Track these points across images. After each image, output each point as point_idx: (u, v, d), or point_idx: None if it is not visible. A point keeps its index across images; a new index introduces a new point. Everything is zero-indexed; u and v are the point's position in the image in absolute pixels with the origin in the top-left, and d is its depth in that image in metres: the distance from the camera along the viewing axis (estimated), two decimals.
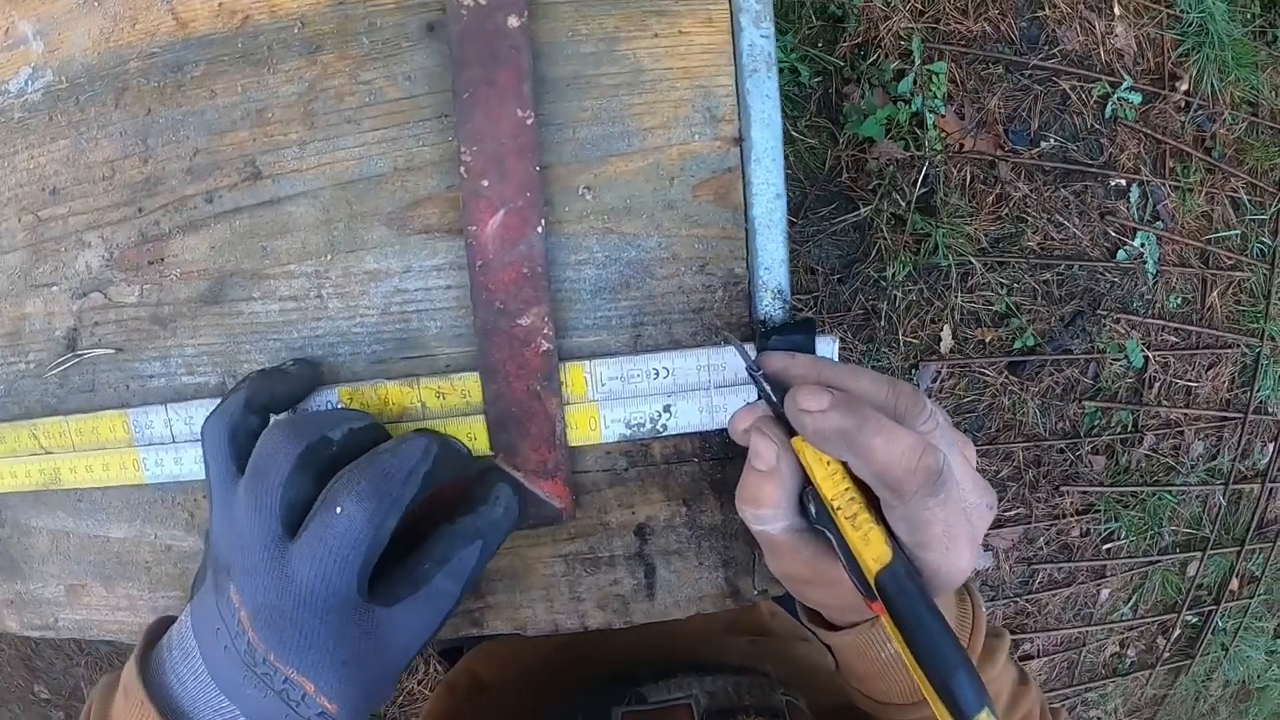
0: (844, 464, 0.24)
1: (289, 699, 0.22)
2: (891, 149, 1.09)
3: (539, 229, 0.26)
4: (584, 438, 0.27)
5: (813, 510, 0.25)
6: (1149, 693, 1.56)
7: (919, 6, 1.09)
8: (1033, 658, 1.44)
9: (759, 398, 0.27)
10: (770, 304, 0.28)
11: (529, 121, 0.25)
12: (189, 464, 0.28)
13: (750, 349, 0.26)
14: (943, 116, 1.10)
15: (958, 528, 0.23)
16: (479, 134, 0.25)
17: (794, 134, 1.10)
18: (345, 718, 0.23)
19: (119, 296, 0.28)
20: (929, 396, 0.26)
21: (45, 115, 0.28)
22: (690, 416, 0.27)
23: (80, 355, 0.29)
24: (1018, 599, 1.39)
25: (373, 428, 0.24)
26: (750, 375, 0.26)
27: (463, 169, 0.25)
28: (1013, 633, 1.39)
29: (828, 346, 0.27)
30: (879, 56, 1.07)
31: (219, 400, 0.25)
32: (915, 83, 1.07)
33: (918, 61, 1.07)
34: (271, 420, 0.24)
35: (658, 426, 0.27)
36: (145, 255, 0.28)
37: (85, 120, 0.28)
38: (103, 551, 0.31)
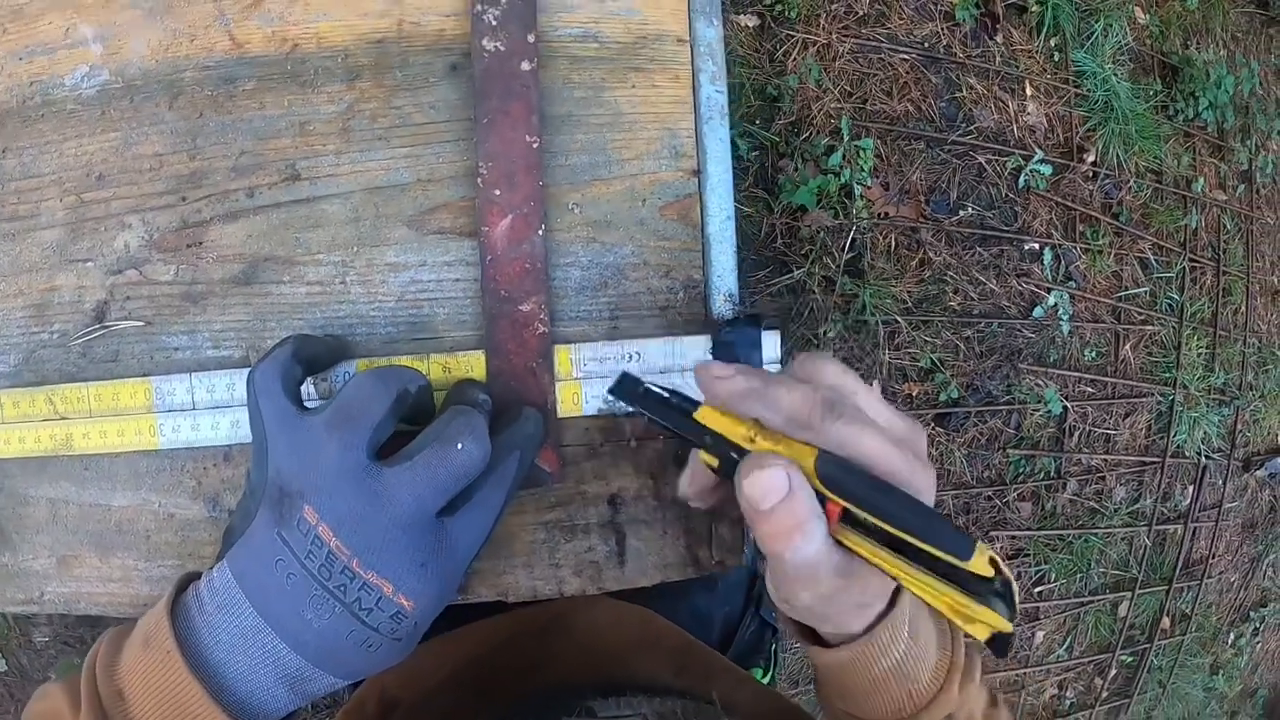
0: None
1: (360, 607, 0.26)
2: (822, 217, 1.24)
3: (539, 232, 0.33)
4: (568, 411, 0.34)
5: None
6: None
7: (848, 89, 1.27)
8: None
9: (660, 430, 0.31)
10: (722, 305, 0.36)
11: (535, 145, 0.34)
12: (205, 430, 0.33)
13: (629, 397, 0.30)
14: (869, 188, 1.27)
15: (888, 441, 0.26)
16: (494, 153, 0.33)
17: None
18: (420, 614, 0.28)
19: (154, 274, 0.34)
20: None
21: (98, 109, 0.34)
22: None
23: (108, 326, 0.34)
24: None
25: (429, 386, 0.30)
26: (639, 408, 0.29)
27: (479, 180, 0.33)
28: None
29: (771, 340, 0.36)
30: (811, 133, 1.24)
31: (247, 367, 0.30)
32: (844, 157, 1.24)
33: (846, 138, 1.24)
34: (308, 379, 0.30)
35: None
36: (184, 239, 0.34)
37: (138, 117, 0.34)
38: (102, 520, 0.35)
